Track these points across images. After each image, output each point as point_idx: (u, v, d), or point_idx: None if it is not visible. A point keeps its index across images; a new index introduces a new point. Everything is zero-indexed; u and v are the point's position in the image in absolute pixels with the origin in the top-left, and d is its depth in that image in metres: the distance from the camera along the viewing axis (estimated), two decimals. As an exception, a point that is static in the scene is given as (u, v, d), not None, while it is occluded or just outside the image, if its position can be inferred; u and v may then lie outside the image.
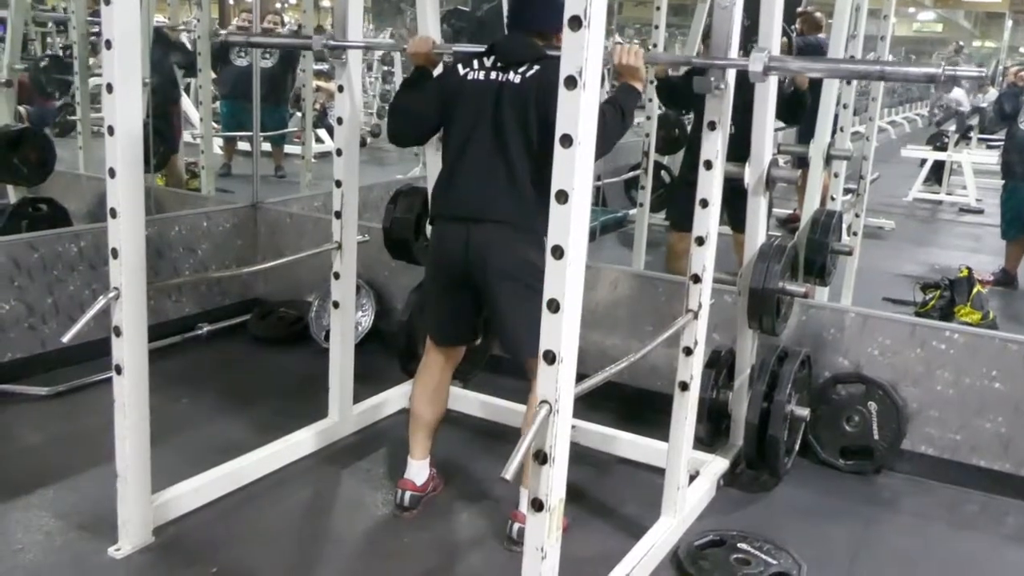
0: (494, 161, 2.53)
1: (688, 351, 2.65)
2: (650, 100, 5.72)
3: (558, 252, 1.69)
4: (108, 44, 2.17)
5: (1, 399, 3.46)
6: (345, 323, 3.24)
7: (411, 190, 3.52)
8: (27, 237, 3.85)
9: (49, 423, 3.36)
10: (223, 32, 5.27)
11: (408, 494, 2.85)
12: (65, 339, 2.33)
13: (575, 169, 1.65)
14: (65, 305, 3.75)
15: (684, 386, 2.69)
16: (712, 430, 3.20)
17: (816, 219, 4.14)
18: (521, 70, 2.53)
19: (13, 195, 4.79)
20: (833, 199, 4.73)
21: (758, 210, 3.02)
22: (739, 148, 2.87)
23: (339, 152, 3.09)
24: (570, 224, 1.67)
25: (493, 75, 2.56)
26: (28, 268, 3.63)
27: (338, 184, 3.11)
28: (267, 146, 7.71)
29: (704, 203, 2.58)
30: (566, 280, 1.69)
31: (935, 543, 2.91)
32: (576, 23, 1.61)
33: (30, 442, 3.22)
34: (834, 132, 4.53)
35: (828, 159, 4.46)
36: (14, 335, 3.60)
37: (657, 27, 5.45)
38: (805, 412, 3.11)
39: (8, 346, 3.59)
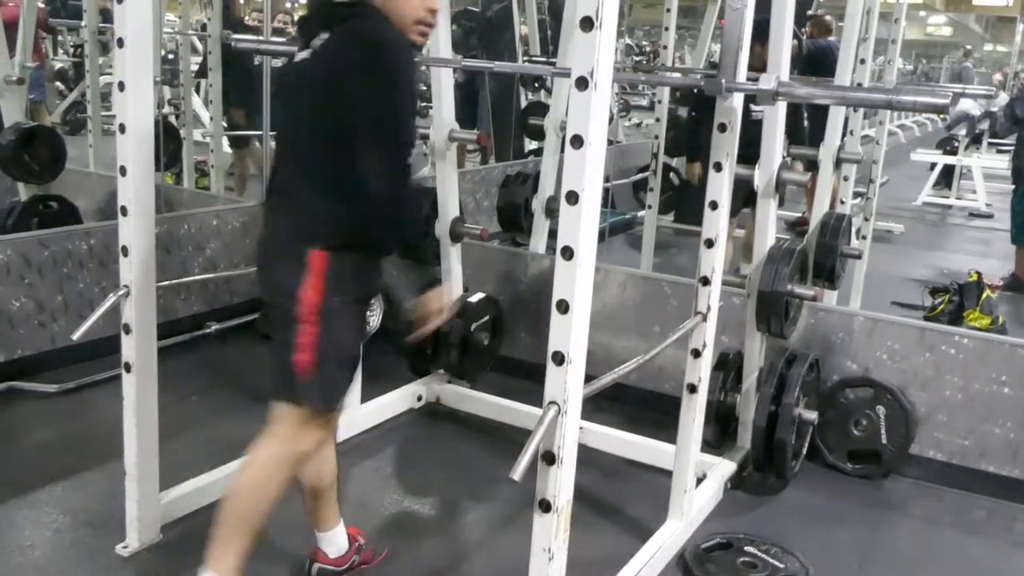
0: (283, 157, 2.11)
1: (696, 353, 2.65)
2: (659, 102, 5.73)
3: (568, 253, 1.69)
4: (120, 42, 2.18)
5: (11, 396, 3.47)
6: (353, 323, 3.24)
7: (420, 189, 3.52)
8: (37, 234, 3.86)
9: (58, 420, 3.37)
10: (234, 37, 5.29)
11: (317, 567, 2.38)
12: (75, 337, 2.35)
13: (585, 170, 1.65)
14: (75, 302, 3.76)
15: (692, 388, 2.68)
16: (720, 433, 3.19)
17: (825, 222, 4.13)
18: (313, 43, 1.98)
19: (24, 192, 4.80)
20: (843, 202, 4.72)
21: (767, 213, 3.02)
22: (748, 149, 2.87)
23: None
24: (580, 225, 1.67)
25: (297, 56, 2.06)
26: (38, 265, 3.65)
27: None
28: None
29: (713, 205, 2.58)
30: (576, 281, 1.69)
31: (943, 548, 2.90)
32: (588, 24, 1.61)
33: (39, 439, 3.23)
34: (844, 135, 4.53)
35: (838, 162, 4.45)
36: (24, 332, 3.61)
37: (667, 29, 5.45)
38: (813, 416, 3.11)
39: (18, 343, 3.60)
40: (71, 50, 8.84)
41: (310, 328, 1.94)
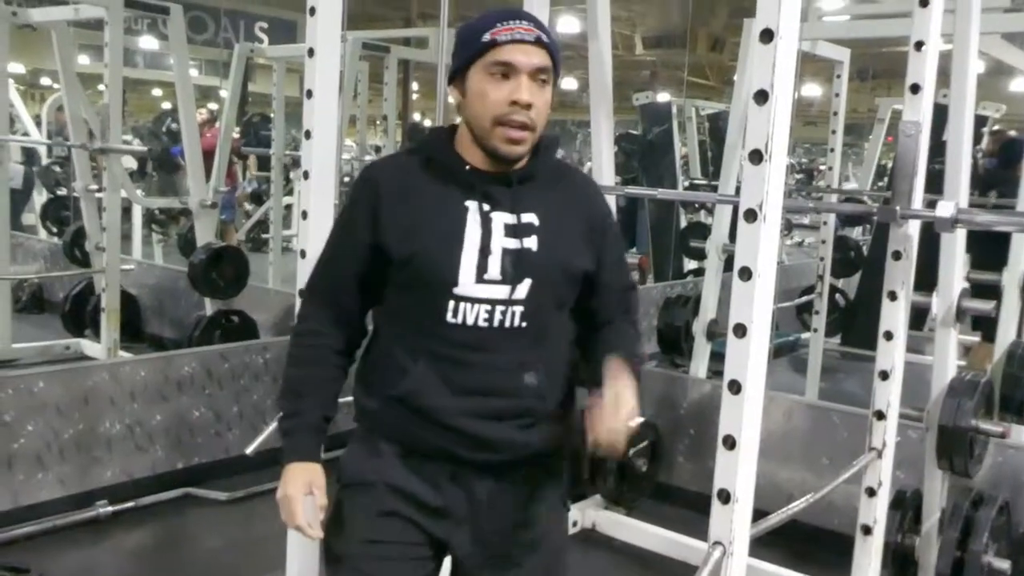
0: None
1: (871, 492, 2.49)
2: (824, 223, 5.59)
3: (735, 387, 1.64)
4: (306, 175, 2.29)
5: (186, 502, 3.64)
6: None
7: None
8: (219, 348, 4.11)
9: (227, 527, 3.50)
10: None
11: None
12: (248, 451, 2.45)
13: (754, 302, 1.62)
14: (249, 414, 3.95)
15: (867, 530, 2.52)
16: (897, 578, 2.96)
17: (1012, 351, 3.86)
18: None
19: (209, 307, 5.15)
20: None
21: (947, 343, 2.85)
22: (925, 275, 2.74)
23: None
24: (748, 359, 1.62)
25: None
26: (218, 377, 3.87)
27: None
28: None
29: (888, 335, 2.47)
30: (743, 416, 1.64)
31: None
32: (757, 156, 1.60)
33: (210, 545, 3.36)
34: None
35: (1024, 288, 4.18)
36: (201, 440, 3.81)
37: (832, 150, 5.37)
38: (1005, 565, 2.83)
39: (196, 451, 3.80)
40: (258, 174, 9.56)
41: None
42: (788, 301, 6.63)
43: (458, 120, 1.60)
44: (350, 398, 1.67)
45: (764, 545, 3.13)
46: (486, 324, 1.52)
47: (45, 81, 13.76)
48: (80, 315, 5.48)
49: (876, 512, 2.51)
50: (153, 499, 3.57)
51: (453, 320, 1.51)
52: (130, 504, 3.49)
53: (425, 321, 1.53)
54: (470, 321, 1.51)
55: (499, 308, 1.52)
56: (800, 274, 7.21)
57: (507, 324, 1.53)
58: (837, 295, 6.44)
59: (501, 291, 1.52)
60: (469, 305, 1.51)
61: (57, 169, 8.30)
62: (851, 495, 2.58)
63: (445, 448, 1.54)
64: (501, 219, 1.53)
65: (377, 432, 1.60)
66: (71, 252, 5.98)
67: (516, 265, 1.52)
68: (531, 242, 1.54)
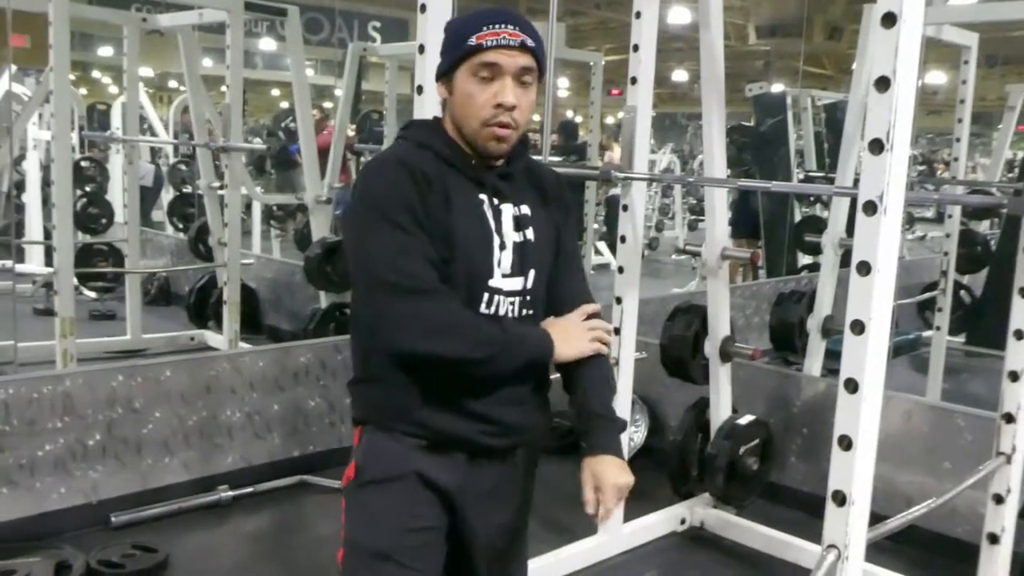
0: None
1: (999, 499, 2.38)
2: (949, 216, 5.36)
3: (852, 386, 1.59)
4: None
5: (301, 489, 3.75)
6: (618, 439, 3.22)
7: (690, 307, 3.49)
8: (332, 340, 4.22)
9: (340, 515, 3.58)
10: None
11: None
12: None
13: (872, 298, 1.57)
14: (361, 404, 4.03)
15: (994, 538, 2.40)
16: (1027, 590, 2.81)
17: None
18: None
19: (324, 300, 5.28)
20: None
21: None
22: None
23: (621, 269, 3.14)
24: (866, 357, 1.57)
25: None
26: (332, 369, 3.97)
27: (618, 300, 3.15)
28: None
29: (1019, 334, 2.34)
30: (860, 416, 1.59)
31: None
32: (878, 146, 1.55)
33: (321, 532, 3.45)
34: None
35: None
36: (316, 430, 3.93)
37: (958, 140, 5.13)
38: None
39: (311, 439, 3.91)
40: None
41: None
42: (909, 298, 6.38)
43: (434, 114, 1.69)
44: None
45: (880, 550, 3.04)
46: (511, 315, 1.59)
47: (172, 84, 14.37)
48: (204, 307, 5.71)
49: (1004, 520, 2.40)
50: (270, 485, 3.69)
51: (487, 311, 1.57)
52: (249, 489, 3.62)
53: None
54: (501, 311, 1.58)
55: (517, 299, 1.60)
56: (922, 270, 6.94)
57: (521, 314, 1.61)
58: (962, 292, 6.17)
59: (517, 283, 1.60)
60: (501, 297, 1.58)
61: (183, 167, 8.67)
62: (976, 501, 2.47)
63: (469, 436, 1.59)
64: (509, 212, 1.61)
65: (398, 427, 1.59)
66: (195, 247, 6.23)
67: (522, 257, 1.60)
68: (530, 233, 1.62)
